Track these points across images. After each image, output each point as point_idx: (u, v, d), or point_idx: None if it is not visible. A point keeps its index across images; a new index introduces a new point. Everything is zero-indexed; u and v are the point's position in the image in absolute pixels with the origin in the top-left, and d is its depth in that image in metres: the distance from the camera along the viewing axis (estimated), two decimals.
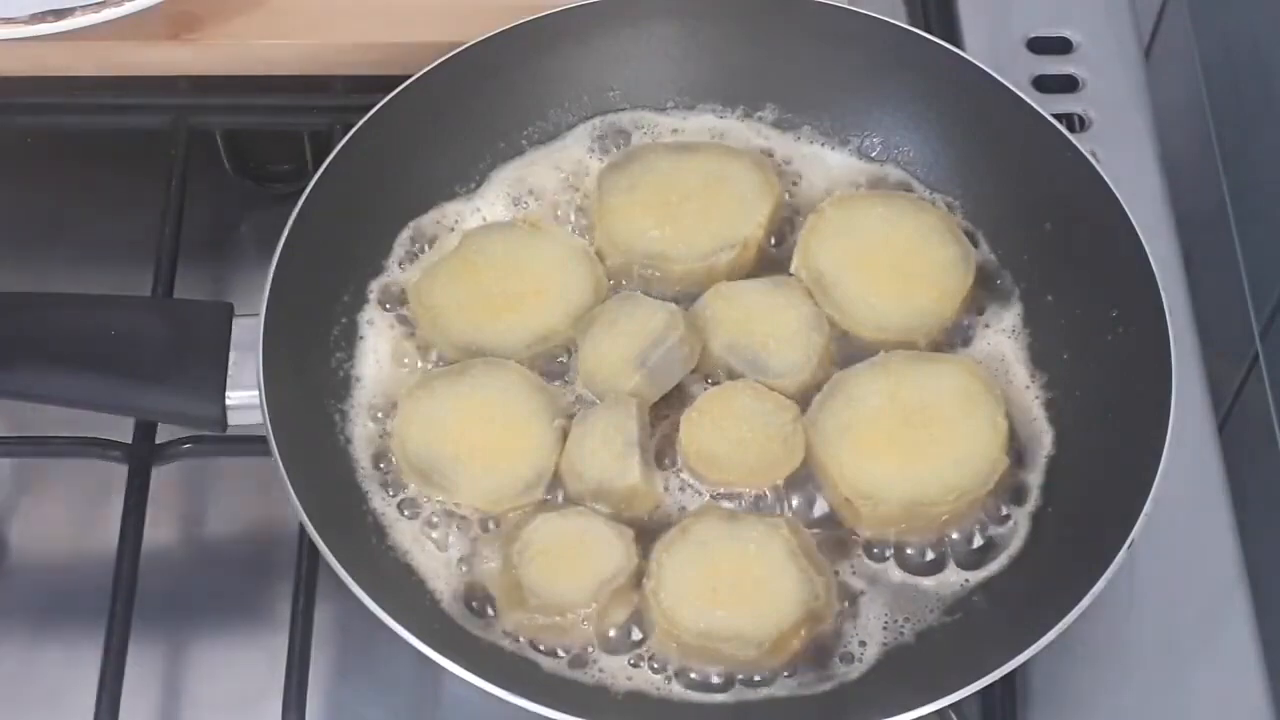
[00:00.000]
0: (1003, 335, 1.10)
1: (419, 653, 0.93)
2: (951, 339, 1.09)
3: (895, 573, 1.02)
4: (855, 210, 1.12)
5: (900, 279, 1.09)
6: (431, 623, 0.99)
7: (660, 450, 1.05)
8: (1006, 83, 1.12)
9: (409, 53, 1.15)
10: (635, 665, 0.99)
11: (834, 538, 1.03)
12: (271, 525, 1.09)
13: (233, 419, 1.02)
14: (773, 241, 1.12)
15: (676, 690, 0.98)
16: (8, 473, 1.12)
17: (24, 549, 1.10)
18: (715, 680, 0.98)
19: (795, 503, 1.04)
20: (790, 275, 1.11)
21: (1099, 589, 0.95)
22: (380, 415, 1.06)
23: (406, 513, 1.03)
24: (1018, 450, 1.05)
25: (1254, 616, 1.07)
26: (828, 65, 1.15)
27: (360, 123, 1.10)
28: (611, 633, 1.00)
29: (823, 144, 1.16)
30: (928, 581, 1.02)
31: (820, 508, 1.04)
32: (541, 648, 0.99)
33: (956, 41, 1.25)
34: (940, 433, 1.03)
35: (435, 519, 1.03)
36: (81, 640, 1.04)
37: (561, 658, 0.99)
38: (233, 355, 1.03)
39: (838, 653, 0.99)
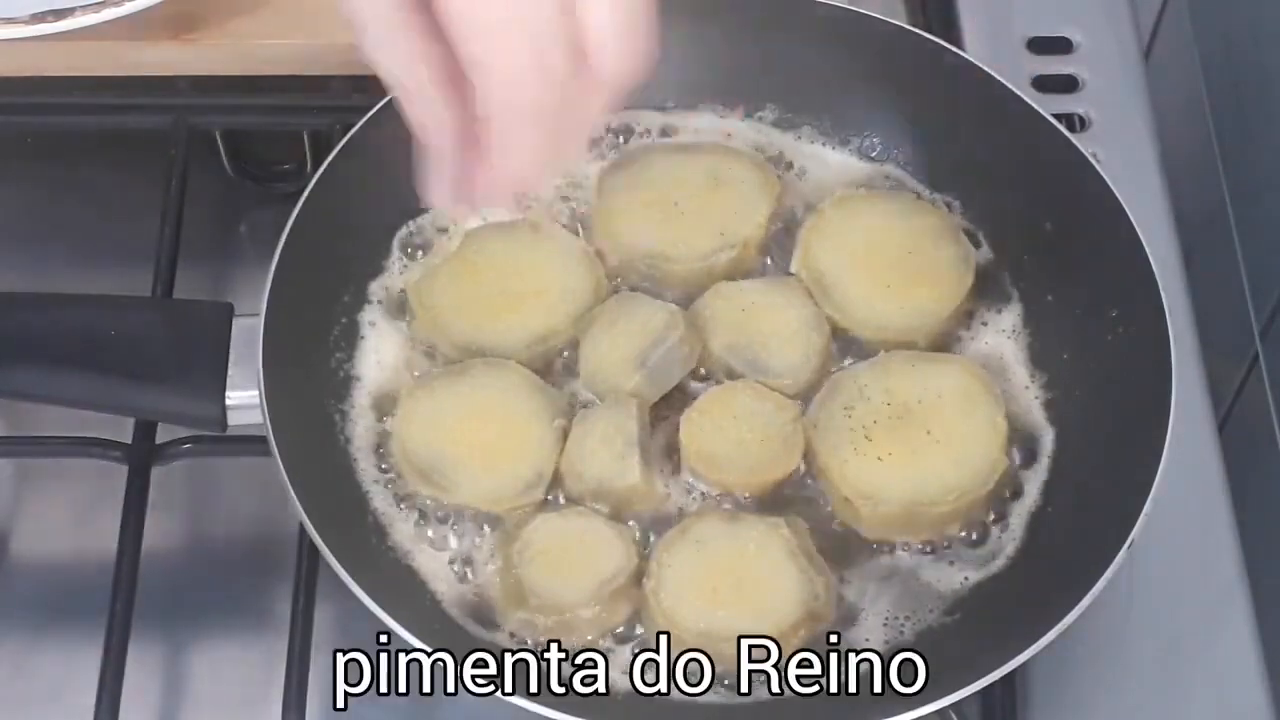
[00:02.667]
0: (1002, 335, 1.10)
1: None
2: (951, 339, 1.09)
3: (895, 573, 1.02)
4: (855, 210, 1.12)
5: (900, 279, 1.09)
6: (432, 623, 0.99)
7: (660, 450, 1.05)
8: (1007, 83, 1.12)
9: None
10: (635, 665, 0.98)
11: (834, 537, 1.03)
12: (271, 525, 1.09)
13: (233, 419, 1.02)
14: (772, 242, 1.12)
15: (676, 690, 0.98)
16: (8, 473, 1.12)
17: (24, 549, 1.10)
18: (715, 680, 0.98)
19: (795, 503, 1.04)
20: (790, 275, 1.11)
21: (1099, 589, 0.95)
22: (380, 415, 1.06)
23: (406, 513, 1.03)
24: (1017, 450, 1.05)
25: (1254, 616, 1.07)
26: (828, 65, 1.15)
27: (360, 122, 1.09)
28: (611, 632, 1.00)
29: (823, 144, 1.16)
30: (928, 581, 1.02)
31: (820, 508, 1.04)
32: (542, 647, 0.99)
33: (956, 41, 1.25)
34: (940, 433, 1.04)
35: (435, 519, 1.03)
36: (81, 640, 1.03)
37: (561, 658, 0.98)
38: (233, 355, 1.03)
39: (837, 652, 0.99)
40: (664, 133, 1.16)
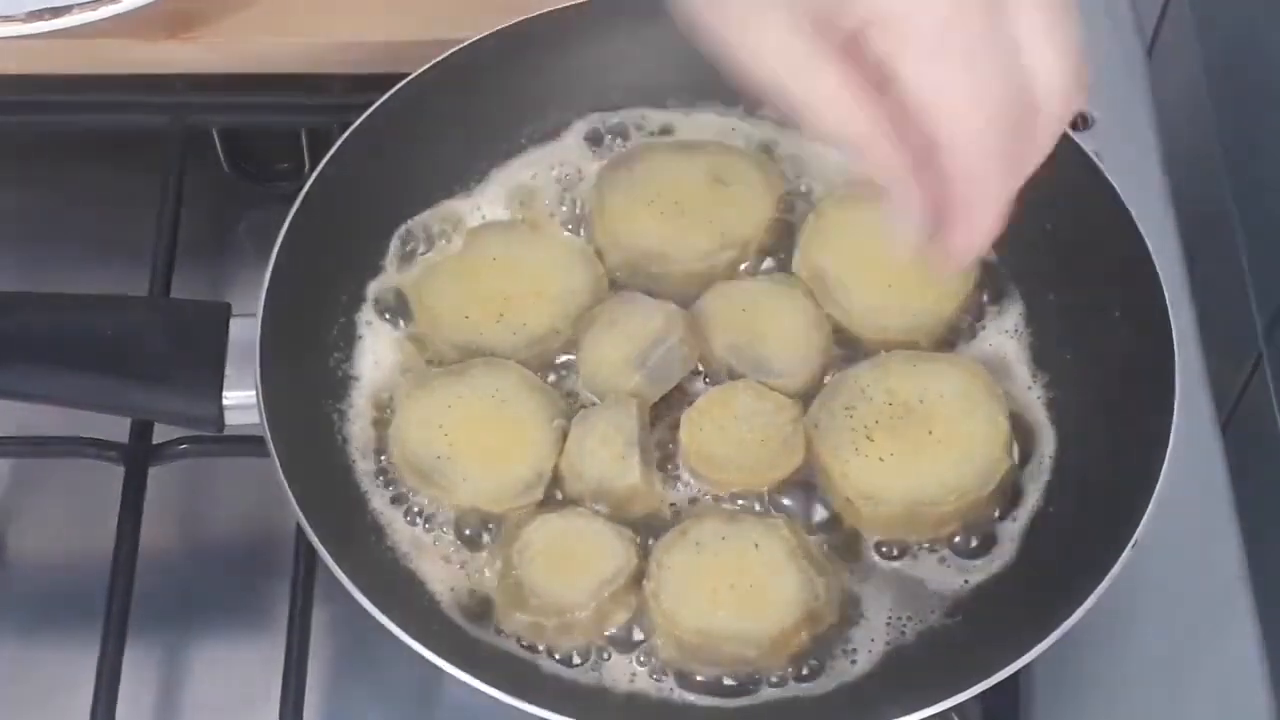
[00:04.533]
0: (1004, 335, 1.09)
1: (418, 654, 0.93)
2: (952, 339, 1.09)
3: (896, 573, 1.02)
4: (855, 210, 1.11)
5: (901, 278, 1.09)
6: (430, 624, 0.98)
7: (660, 450, 1.05)
8: None
9: (408, 51, 1.14)
10: (635, 666, 0.98)
11: (834, 538, 1.03)
12: (269, 526, 1.08)
13: (230, 419, 1.02)
14: (772, 242, 1.12)
15: (676, 691, 0.98)
16: (4, 473, 1.12)
17: (20, 549, 1.10)
18: (715, 681, 0.98)
19: (795, 503, 1.03)
20: (790, 275, 1.10)
21: (1101, 590, 0.94)
22: (378, 415, 1.06)
23: (405, 513, 1.03)
24: (1019, 450, 1.05)
25: (1257, 616, 1.07)
26: None
27: (358, 121, 1.09)
28: (611, 633, 0.99)
29: (823, 143, 1.16)
30: (929, 582, 1.01)
31: (821, 508, 1.03)
32: (541, 649, 0.98)
33: None
34: (941, 433, 1.03)
35: (434, 519, 1.02)
36: (78, 641, 1.03)
37: (561, 659, 0.98)
38: (230, 355, 1.02)
39: (838, 653, 0.99)
40: (664, 131, 1.16)
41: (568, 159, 1.15)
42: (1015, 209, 1.11)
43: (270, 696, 0.99)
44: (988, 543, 1.02)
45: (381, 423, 1.05)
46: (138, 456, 1.07)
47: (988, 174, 0.82)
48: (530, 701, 0.92)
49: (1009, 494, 1.04)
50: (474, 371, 1.05)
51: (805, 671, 0.98)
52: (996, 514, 1.03)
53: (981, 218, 0.83)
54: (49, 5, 1.14)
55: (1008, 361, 1.08)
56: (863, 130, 0.81)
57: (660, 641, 0.98)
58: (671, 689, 0.98)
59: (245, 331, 1.02)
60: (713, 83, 1.15)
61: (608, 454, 1.02)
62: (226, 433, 1.03)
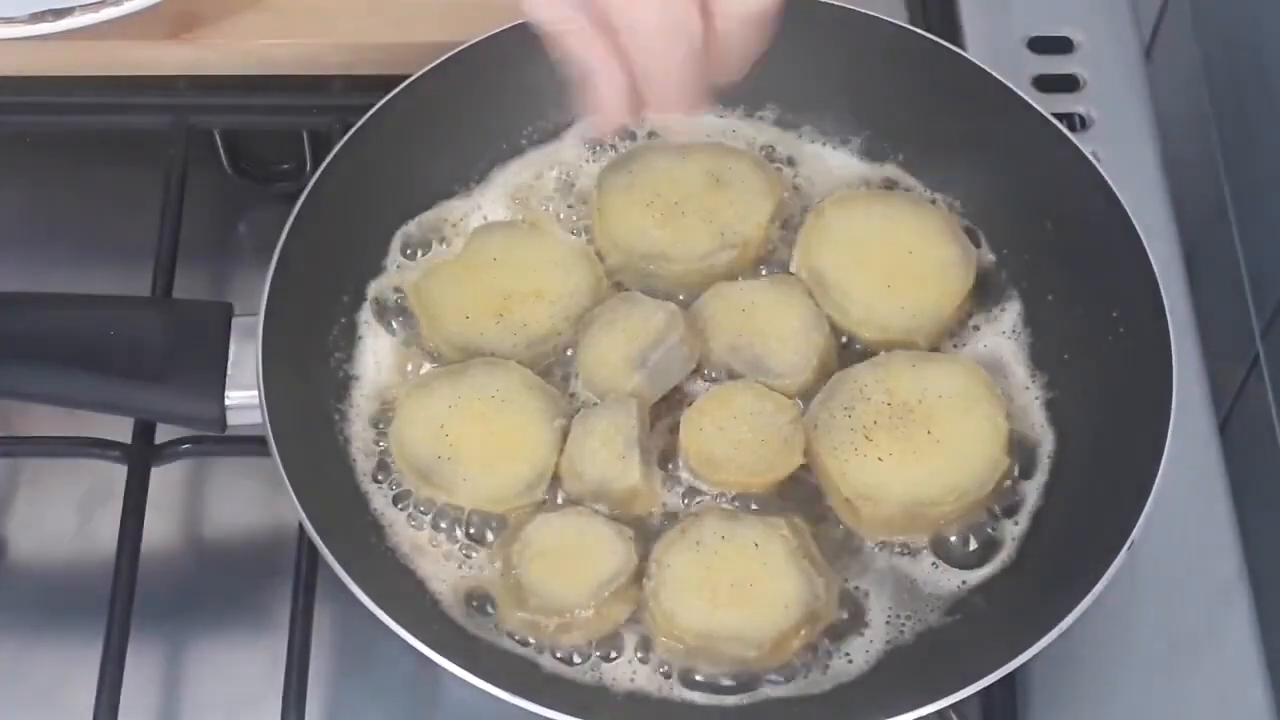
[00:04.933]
0: (1003, 335, 1.09)
1: (419, 653, 0.93)
2: (952, 339, 1.09)
3: (895, 573, 1.02)
4: (855, 210, 1.12)
5: (900, 279, 1.09)
6: (431, 623, 0.99)
7: (660, 450, 1.05)
8: (1007, 82, 1.12)
9: (409, 52, 1.15)
10: (635, 665, 0.98)
11: (834, 538, 1.03)
12: (271, 525, 1.09)
13: (232, 419, 1.02)
14: (772, 242, 1.12)
15: (676, 691, 0.98)
16: (7, 473, 1.12)
17: (23, 549, 1.10)
18: (715, 681, 0.98)
19: (795, 503, 1.04)
20: (790, 275, 1.11)
21: (1099, 589, 0.95)
22: (380, 415, 1.06)
23: (406, 513, 1.03)
24: (1018, 450, 1.05)
25: (1255, 617, 1.07)
26: (828, 65, 1.15)
27: (360, 122, 1.10)
28: (612, 633, 0.99)
29: (823, 144, 1.16)
30: (928, 581, 1.02)
31: (820, 508, 1.04)
32: (542, 648, 0.99)
33: (957, 41, 1.24)
34: (940, 433, 1.03)
35: (435, 519, 1.03)
36: (80, 640, 1.03)
37: (561, 658, 0.98)
38: (232, 355, 1.03)
39: (838, 653, 0.99)
40: (664, 132, 1.16)
41: (568, 159, 1.15)
42: (1014, 209, 1.12)
43: (272, 694, 0.99)
44: (986, 543, 1.03)
45: (382, 422, 1.06)
46: (140, 456, 1.07)
47: (663, 50, 0.92)
48: (531, 700, 0.92)
49: (1007, 494, 1.04)
50: (474, 371, 1.06)
51: (805, 671, 0.98)
52: (995, 514, 1.03)
53: (664, 88, 0.93)
54: (52, 7, 1.14)
55: (1006, 362, 1.09)
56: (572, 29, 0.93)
57: (660, 641, 0.99)
58: (671, 688, 0.98)
59: (247, 332, 1.02)
60: (712, 85, 1.16)
61: (608, 454, 1.02)
62: (228, 433, 1.03)
